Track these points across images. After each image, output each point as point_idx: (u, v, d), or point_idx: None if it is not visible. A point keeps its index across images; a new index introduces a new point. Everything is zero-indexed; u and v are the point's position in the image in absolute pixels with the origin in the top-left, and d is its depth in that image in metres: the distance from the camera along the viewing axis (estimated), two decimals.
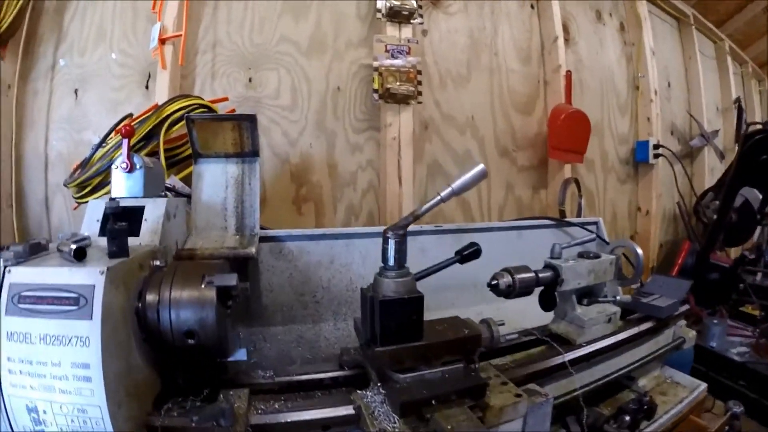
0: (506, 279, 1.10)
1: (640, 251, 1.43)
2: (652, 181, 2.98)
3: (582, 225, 2.00)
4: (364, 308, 0.90)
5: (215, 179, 1.38)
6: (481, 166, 0.88)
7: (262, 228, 1.42)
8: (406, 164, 1.94)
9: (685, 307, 1.62)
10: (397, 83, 1.86)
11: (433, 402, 0.81)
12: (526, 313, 1.53)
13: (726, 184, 2.30)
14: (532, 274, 1.15)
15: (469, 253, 1.00)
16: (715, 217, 2.34)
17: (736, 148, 3.64)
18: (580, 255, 1.34)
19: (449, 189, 0.88)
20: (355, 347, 1.08)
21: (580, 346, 1.25)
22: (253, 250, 1.25)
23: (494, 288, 1.10)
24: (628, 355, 1.39)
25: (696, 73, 3.40)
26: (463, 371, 0.88)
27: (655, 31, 3.04)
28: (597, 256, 1.33)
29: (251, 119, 1.31)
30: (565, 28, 2.51)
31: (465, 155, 2.21)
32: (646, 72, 2.89)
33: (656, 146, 2.86)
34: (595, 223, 2.08)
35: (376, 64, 1.88)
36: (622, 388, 1.45)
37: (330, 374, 1.02)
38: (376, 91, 1.87)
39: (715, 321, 2.16)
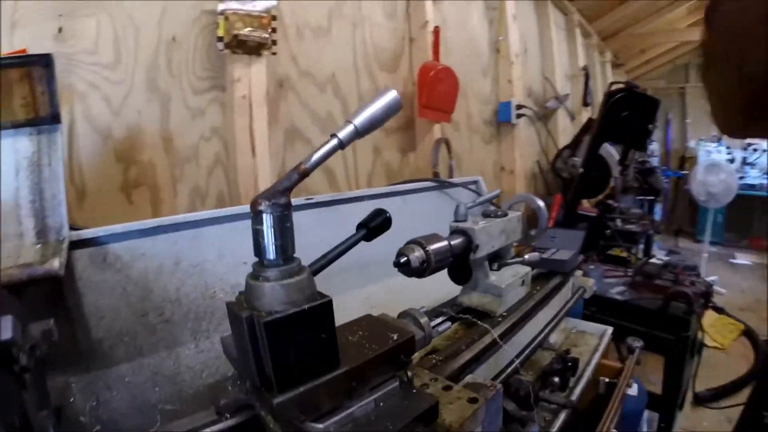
0: (418, 254, 0.85)
1: (541, 204, 1.31)
2: (514, 140, 3.08)
3: (464, 185, 1.92)
4: (240, 335, 0.55)
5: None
6: (392, 93, 0.60)
7: (74, 228, 0.98)
8: (260, 129, 1.58)
9: (581, 257, 1.59)
10: (248, 29, 1.47)
11: None
12: (419, 288, 1.38)
13: (591, 139, 2.42)
14: (445, 243, 0.92)
15: (377, 225, 0.72)
16: (580, 170, 2.46)
17: (583, 110, 4.05)
18: (485, 215, 1.16)
19: (350, 126, 0.58)
20: (231, 377, 0.74)
21: (502, 316, 1.08)
22: (56, 263, 0.80)
23: (404, 266, 0.84)
24: (543, 316, 1.28)
25: (549, 41, 3.63)
26: (401, 391, 0.61)
27: None
28: (504, 215, 1.16)
29: (46, 62, 0.90)
30: None
31: (327, 117, 1.92)
32: (506, 36, 2.92)
33: (519, 107, 2.93)
34: (476, 182, 2.02)
35: (221, 7, 1.48)
36: (534, 349, 1.35)
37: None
38: (221, 39, 1.46)
39: (592, 266, 2.26)
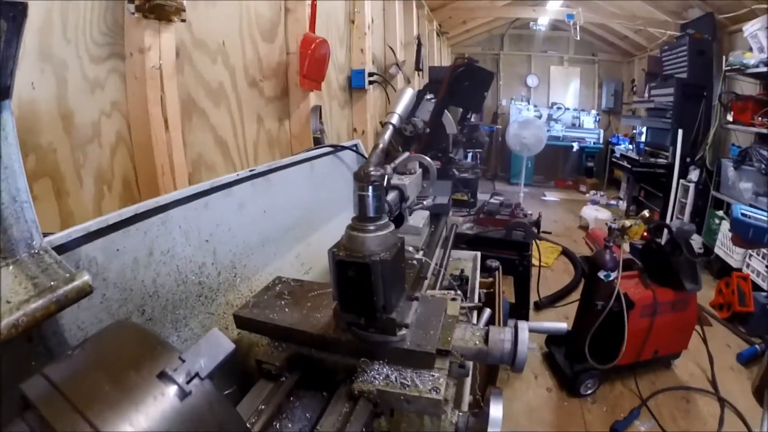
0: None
1: (431, 161, 1.74)
2: (366, 104, 3.50)
3: (350, 148, 2.24)
4: (353, 278, 0.75)
5: None
6: (410, 89, 0.89)
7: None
8: (172, 102, 1.60)
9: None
10: None
11: None
12: (332, 240, 1.71)
13: (436, 104, 2.97)
14: (395, 193, 1.26)
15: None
16: (427, 130, 3.02)
17: (416, 74, 4.67)
18: (400, 172, 1.54)
19: (396, 115, 0.86)
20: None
21: (423, 249, 1.49)
22: (86, 276, 0.70)
23: None
24: (441, 246, 1.74)
25: (392, 13, 4.08)
26: (422, 297, 0.96)
27: None
28: (414, 171, 1.55)
29: (13, 14, 0.63)
30: None
31: (218, 88, 1.98)
32: (362, 9, 3.25)
33: (371, 74, 3.32)
34: (356, 145, 2.36)
35: None
36: (446, 268, 1.80)
37: None
38: (131, 0, 1.41)
39: None
